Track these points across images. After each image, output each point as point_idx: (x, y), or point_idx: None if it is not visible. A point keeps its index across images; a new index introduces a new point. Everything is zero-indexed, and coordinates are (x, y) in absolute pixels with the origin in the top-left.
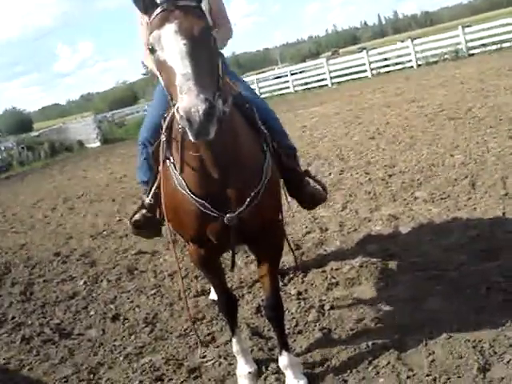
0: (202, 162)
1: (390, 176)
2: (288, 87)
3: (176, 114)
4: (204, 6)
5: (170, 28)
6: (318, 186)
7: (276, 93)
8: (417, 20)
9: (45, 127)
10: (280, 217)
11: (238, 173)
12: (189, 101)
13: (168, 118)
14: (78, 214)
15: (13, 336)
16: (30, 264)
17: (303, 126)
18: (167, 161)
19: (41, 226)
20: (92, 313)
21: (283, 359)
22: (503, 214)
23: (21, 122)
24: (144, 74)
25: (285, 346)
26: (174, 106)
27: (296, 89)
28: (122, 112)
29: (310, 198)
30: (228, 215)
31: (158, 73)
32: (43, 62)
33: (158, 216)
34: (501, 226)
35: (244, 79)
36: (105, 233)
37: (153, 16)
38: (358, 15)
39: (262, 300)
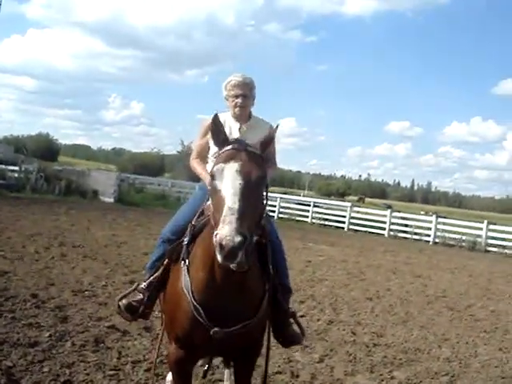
0: (214, 277)
1: (375, 345)
2: (307, 216)
3: (214, 237)
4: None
5: (234, 166)
6: (298, 330)
7: (294, 217)
8: (447, 198)
9: (68, 163)
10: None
11: (240, 299)
12: (227, 231)
13: (197, 227)
14: (67, 264)
15: None
16: (4, 295)
17: (308, 260)
18: (182, 262)
19: (29, 261)
20: (45, 369)
21: None
22: None
23: (48, 150)
24: (178, 152)
25: None
26: (213, 232)
27: (314, 221)
28: (144, 179)
29: (289, 339)
30: (216, 329)
31: (210, 196)
32: (93, 105)
33: (141, 309)
34: None
35: (268, 194)
36: (86, 293)
37: (223, 150)
38: (393, 173)
39: None
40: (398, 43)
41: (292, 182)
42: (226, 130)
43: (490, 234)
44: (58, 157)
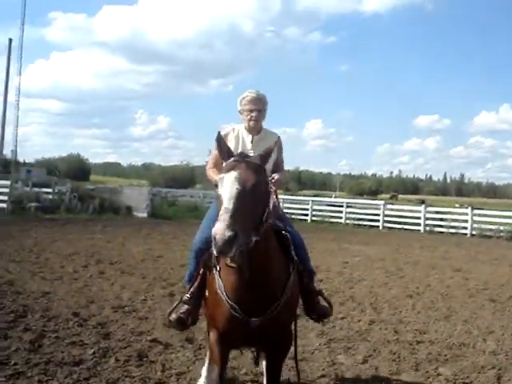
0: (239, 274)
1: (418, 343)
2: (340, 217)
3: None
4: (268, 165)
5: (233, 174)
6: (326, 304)
7: (327, 219)
8: (481, 188)
9: (100, 182)
10: (292, 326)
11: (265, 287)
12: (219, 227)
13: None
14: (106, 280)
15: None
16: (46, 315)
17: (345, 261)
18: (214, 268)
19: (68, 280)
20: None
21: None
22: None
23: (80, 170)
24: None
25: None
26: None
27: (347, 221)
28: (176, 192)
29: (319, 314)
30: (253, 319)
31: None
32: (120, 122)
33: (189, 319)
34: None
35: (300, 198)
36: (126, 308)
37: (226, 162)
38: (425, 168)
39: None
40: (420, 36)
41: (323, 183)
42: (239, 142)
43: None
44: (89, 176)
